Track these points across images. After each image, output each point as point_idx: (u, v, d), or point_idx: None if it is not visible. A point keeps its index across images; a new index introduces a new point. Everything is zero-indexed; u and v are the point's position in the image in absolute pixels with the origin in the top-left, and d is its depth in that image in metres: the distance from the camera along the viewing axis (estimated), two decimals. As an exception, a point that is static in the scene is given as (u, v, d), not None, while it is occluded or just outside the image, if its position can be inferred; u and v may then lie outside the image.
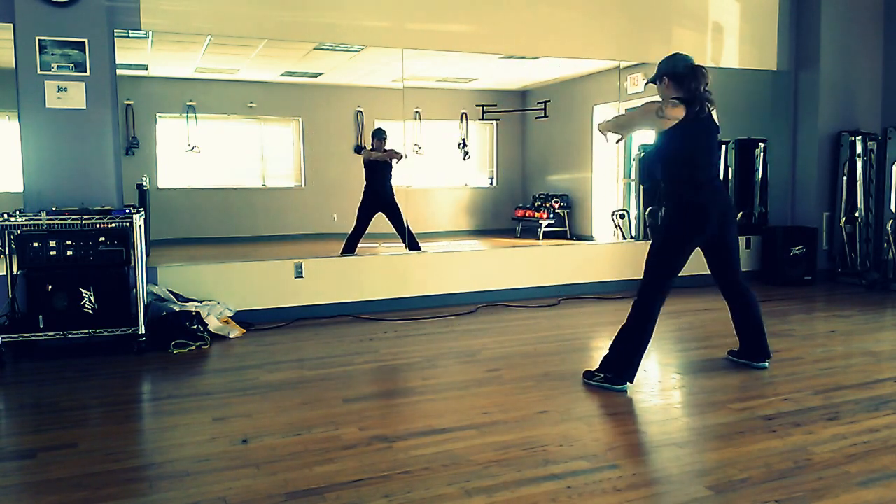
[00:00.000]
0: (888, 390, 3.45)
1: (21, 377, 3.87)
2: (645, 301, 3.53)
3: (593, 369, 3.60)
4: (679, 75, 3.47)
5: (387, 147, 7.02)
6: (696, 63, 3.53)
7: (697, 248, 3.64)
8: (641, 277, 3.58)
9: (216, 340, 4.54)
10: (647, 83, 3.69)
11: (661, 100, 3.51)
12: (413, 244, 6.34)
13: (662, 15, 6.33)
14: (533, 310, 5.53)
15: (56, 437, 2.93)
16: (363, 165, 7.06)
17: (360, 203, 6.77)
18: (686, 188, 3.53)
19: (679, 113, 3.41)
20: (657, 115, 3.44)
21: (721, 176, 7.48)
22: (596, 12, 6.09)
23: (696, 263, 7.14)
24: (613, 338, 3.59)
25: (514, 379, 3.71)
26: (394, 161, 6.95)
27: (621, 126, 3.73)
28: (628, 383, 3.46)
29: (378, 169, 6.97)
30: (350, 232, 6.51)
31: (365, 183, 6.97)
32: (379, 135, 7.10)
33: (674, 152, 3.52)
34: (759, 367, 3.80)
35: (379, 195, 6.84)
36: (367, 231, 6.60)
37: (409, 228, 6.40)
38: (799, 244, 6.63)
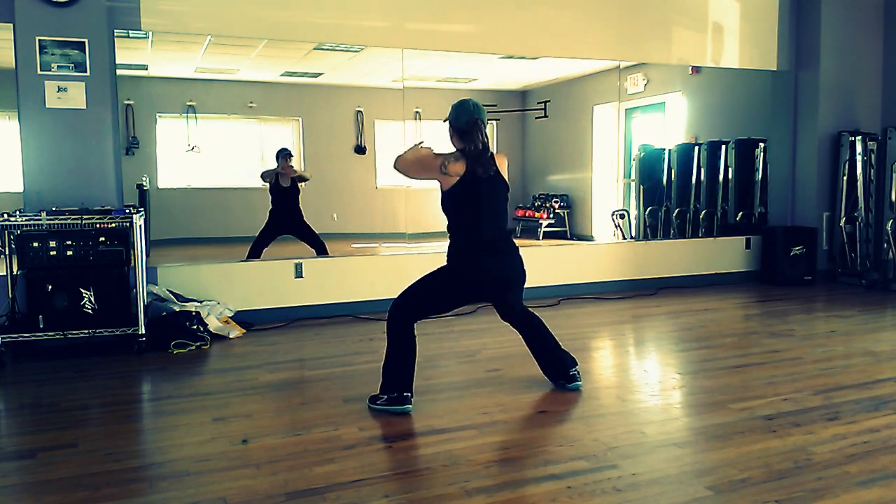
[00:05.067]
0: (888, 390, 3.45)
1: (21, 377, 3.87)
2: (401, 325, 3.27)
3: (376, 393, 3.32)
4: (461, 130, 3.22)
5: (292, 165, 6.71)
6: (478, 116, 3.22)
7: None
8: (400, 294, 3.36)
9: (216, 340, 4.54)
10: (444, 120, 3.35)
11: (443, 154, 3.24)
12: (321, 249, 6.20)
13: (662, 15, 6.33)
14: (533, 310, 5.52)
15: (56, 437, 2.93)
16: (269, 190, 6.71)
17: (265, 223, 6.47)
18: (465, 252, 3.25)
19: (460, 169, 3.16)
20: (440, 171, 3.17)
21: (722, 177, 7.48)
22: (596, 12, 6.09)
23: (696, 263, 7.16)
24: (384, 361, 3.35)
25: (514, 379, 3.71)
26: (301, 184, 6.69)
27: (409, 174, 3.37)
28: (409, 402, 3.22)
29: (285, 192, 6.67)
30: (253, 243, 6.26)
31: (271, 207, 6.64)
32: (284, 153, 6.79)
33: (457, 213, 3.24)
34: (573, 388, 3.48)
35: (285, 221, 6.51)
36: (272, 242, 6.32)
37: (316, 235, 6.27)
38: (799, 244, 6.63)
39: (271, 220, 6.55)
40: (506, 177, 3.33)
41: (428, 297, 3.33)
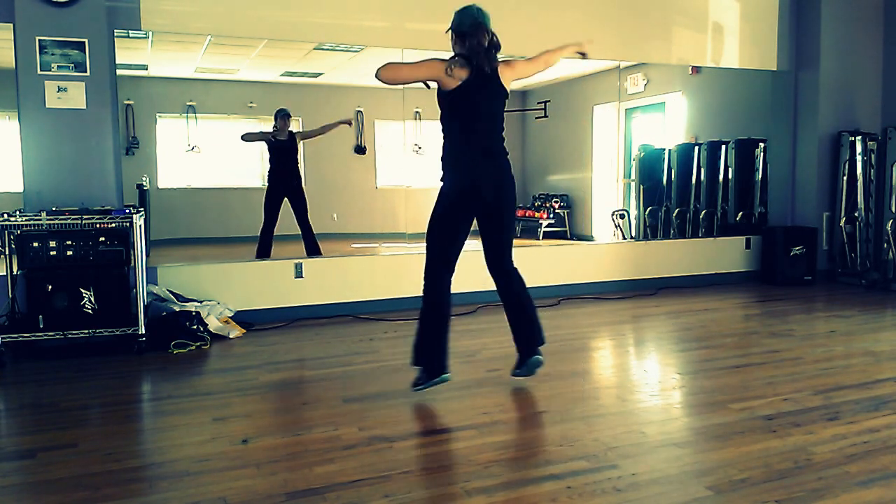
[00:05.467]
0: (888, 390, 3.45)
1: (21, 377, 3.87)
2: (425, 279, 3.34)
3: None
4: (463, 33, 3.26)
5: (292, 129, 6.66)
6: (481, 20, 3.27)
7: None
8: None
9: (216, 340, 4.54)
10: (446, 31, 3.37)
11: (449, 57, 3.26)
12: (313, 247, 6.18)
13: (662, 15, 6.33)
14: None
15: (56, 437, 2.93)
16: (267, 149, 6.67)
17: (265, 193, 6.48)
18: (460, 158, 3.31)
19: (463, 74, 3.20)
20: (446, 72, 3.18)
21: (722, 177, 7.49)
22: (596, 12, 6.08)
23: (696, 263, 7.15)
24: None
25: (514, 379, 3.71)
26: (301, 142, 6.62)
27: (401, 77, 3.35)
28: (445, 376, 3.34)
29: (283, 149, 6.62)
30: (261, 229, 6.29)
31: (269, 168, 6.64)
32: (282, 113, 6.68)
33: (455, 118, 3.29)
34: (533, 362, 3.47)
35: (285, 181, 6.52)
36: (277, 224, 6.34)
37: (311, 227, 6.24)
38: (799, 244, 6.63)
39: (271, 185, 6.50)
40: (511, 79, 3.35)
41: (436, 233, 3.34)
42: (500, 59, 3.35)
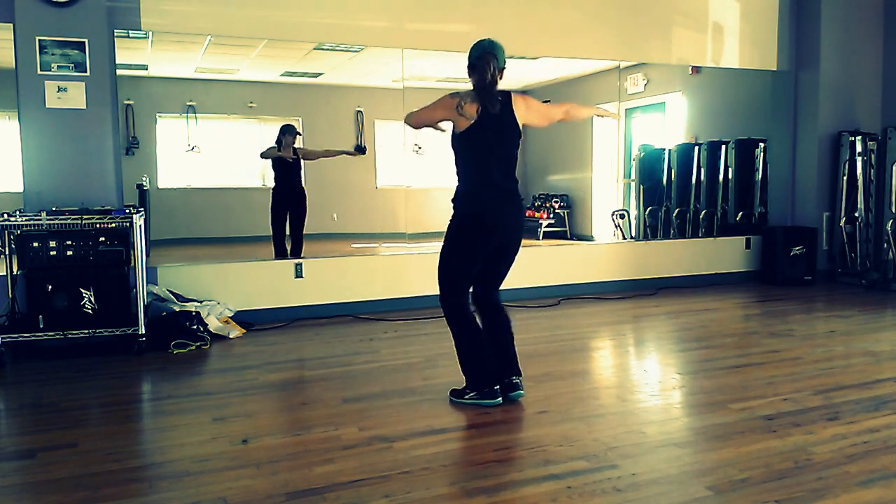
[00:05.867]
0: (888, 390, 3.45)
1: (21, 377, 3.87)
2: (444, 310, 3.28)
3: (461, 388, 3.34)
4: (471, 64, 3.19)
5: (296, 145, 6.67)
6: (490, 51, 3.17)
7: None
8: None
9: (216, 340, 4.54)
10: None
11: (460, 93, 3.19)
12: (295, 251, 6.25)
13: (662, 15, 6.33)
14: (533, 310, 5.53)
15: (56, 437, 2.93)
16: (272, 164, 6.68)
17: (271, 207, 6.51)
18: (472, 195, 3.23)
19: (473, 111, 3.13)
20: (457, 110, 3.13)
21: (722, 177, 7.49)
22: (596, 12, 6.08)
23: (696, 263, 7.15)
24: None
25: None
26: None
27: (422, 121, 3.32)
28: (498, 392, 3.24)
29: (288, 168, 6.64)
30: (273, 240, 6.37)
31: (274, 182, 6.68)
32: (290, 130, 6.67)
33: (464, 153, 3.23)
34: (515, 396, 3.29)
35: (288, 196, 6.56)
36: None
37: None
38: (799, 244, 6.63)
39: (275, 200, 6.53)
40: (524, 119, 3.25)
41: (449, 263, 3.25)
42: (514, 92, 3.26)
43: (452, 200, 3.29)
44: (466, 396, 3.26)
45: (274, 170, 6.67)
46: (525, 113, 3.25)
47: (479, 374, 3.24)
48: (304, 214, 6.44)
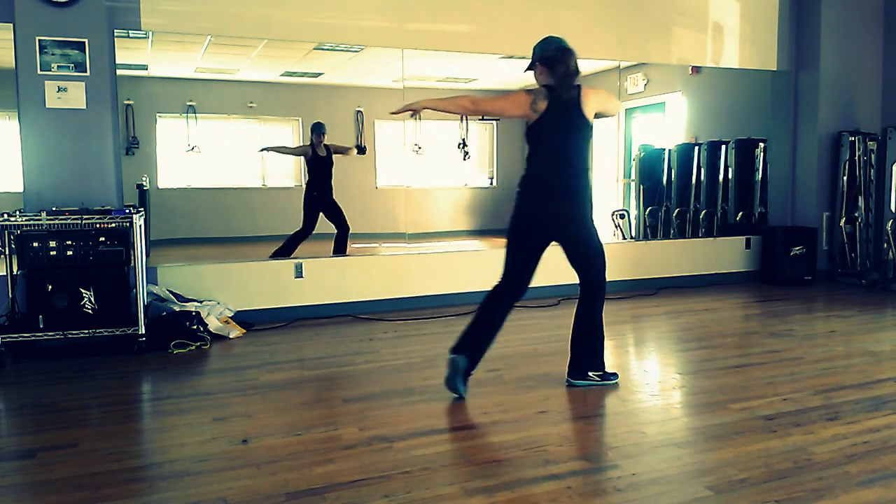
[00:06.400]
0: (888, 390, 3.45)
1: (21, 377, 3.87)
2: (490, 291, 3.49)
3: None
4: (549, 59, 3.29)
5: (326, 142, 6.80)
6: (565, 45, 3.31)
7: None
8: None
9: (216, 340, 4.54)
10: (525, 70, 3.43)
11: (533, 90, 3.32)
12: (340, 248, 6.35)
13: (662, 15, 6.33)
14: (533, 310, 5.53)
15: (56, 437, 2.93)
16: (306, 163, 6.80)
17: (304, 204, 6.64)
18: (530, 189, 3.36)
19: (543, 107, 3.27)
20: (531, 108, 3.27)
21: (722, 177, 7.49)
22: (596, 12, 6.08)
23: (696, 263, 7.15)
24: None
25: (514, 379, 3.71)
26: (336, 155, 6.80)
27: (488, 111, 3.44)
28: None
29: (322, 162, 6.76)
30: (294, 234, 6.43)
31: (308, 181, 6.78)
32: (319, 128, 6.83)
33: (531, 145, 3.38)
34: (577, 384, 3.54)
35: (324, 195, 6.68)
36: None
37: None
38: (799, 244, 6.63)
39: (310, 198, 6.65)
40: (595, 110, 3.36)
41: (507, 254, 3.45)
42: (584, 86, 3.35)
43: (518, 184, 3.41)
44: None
45: (308, 168, 6.80)
46: (595, 104, 3.36)
47: (466, 340, 3.41)
48: (341, 212, 6.56)
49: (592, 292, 3.54)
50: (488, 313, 3.45)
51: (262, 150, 7.10)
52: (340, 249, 6.40)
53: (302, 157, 6.83)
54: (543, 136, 3.32)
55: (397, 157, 7.83)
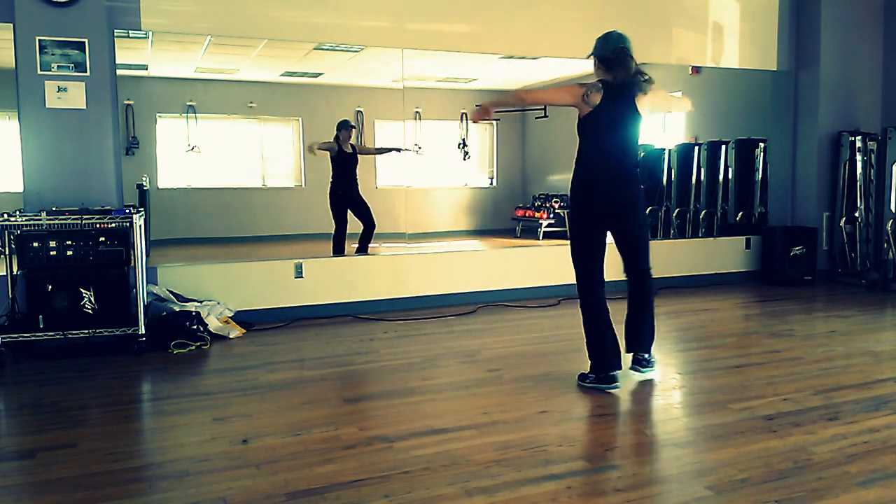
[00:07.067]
0: (888, 390, 3.45)
1: (21, 377, 3.87)
2: (579, 294, 3.58)
3: (587, 371, 3.59)
4: (607, 59, 3.42)
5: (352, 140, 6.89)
6: (624, 45, 3.43)
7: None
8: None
9: (216, 340, 4.54)
10: (585, 57, 3.56)
11: (587, 83, 3.41)
12: (364, 246, 6.42)
13: (662, 15, 6.32)
14: (533, 310, 5.53)
15: (56, 437, 2.93)
16: (331, 160, 6.83)
17: (331, 202, 6.72)
18: (590, 180, 3.46)
19: (597, 100, 3.36)
20: (583, 99, 3.36)
21: (722, 177, 7.50)
22: (596, 12, 6.08)
23: (696, 263, 7.15)
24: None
25: (514, 379, 3.71)
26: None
27: (541, 100, 3.60)
28: (618, 375, 3.48)
29: (347, 159, 6.82)
30: (334, 236, 6.54)
31: (333, 178, 6.83)
32: (346, 125, 6.90)
33: (585, 140, 3.47)
34: (642, 371, 3.66)
35: (349, 191, 6.76)
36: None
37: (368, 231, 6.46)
38: (799, 244, 6.63)
39: (336, 195, 6.70)
40: (651, 109, 3.51)
41: (579, 255, 3.53)
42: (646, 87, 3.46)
43: (572, 180, 3.51)
44: (588, 381, 3.50)
45: (333, 166, 6.80)
46: (650, 105, 3.48)
47: (596, 359, 3.49)
48: (368, 209, 6.62)
49: (647, 280, 3.68)
50: (600, 321, 3.53)
51: (311, 149, 7.12)
52: (364, 248, 6.46)
53: (328, 153, 6.85)
54: (598, 129, 3.40)
55: (397, 158, 7.82)
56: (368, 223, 6.60)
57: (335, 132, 6.78)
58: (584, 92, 3.35)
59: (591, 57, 3.50)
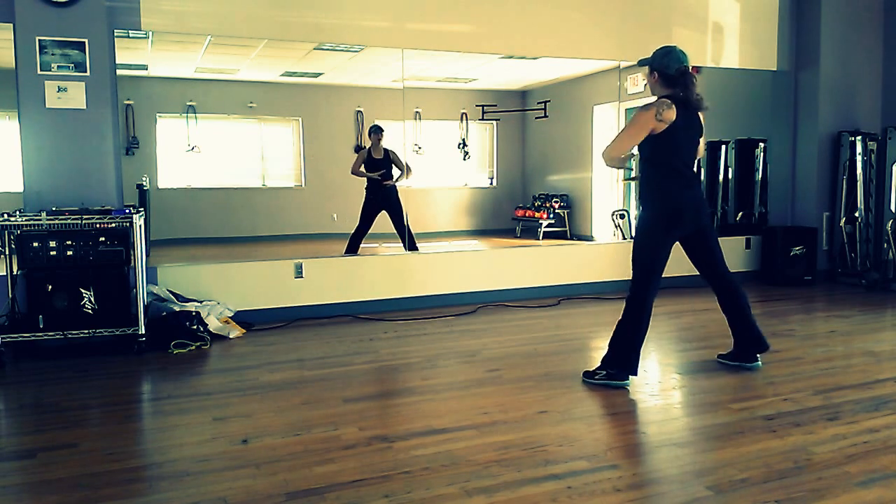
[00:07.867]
0: (888, 390, 3.45)
1: (21, 377, 3.87)
2: (635, 296, 3.56)
3: (593, 369, 3.60)
4: (670, 78, 3.48)
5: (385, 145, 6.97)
6: (687, 64, 3.51)
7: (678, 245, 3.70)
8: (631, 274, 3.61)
9: (216, 340, 4.54)
10: (639, 63, 3.64)
11: (652, 103, 3.46)
12: (412, 244, 6.37)
13: (662, 15, 6.33)
14: (533, 310, 5.54)
15: (56, 437, 2.93)
16: (364, 164, 6.95)
17: (363, 203, 6.76)
18: (665, 190, 3.53)
19: (672, 116, 3.40)
20: (656, 118, 3.39)
21: (722, 177, 7.52)
22: (596, 12, 6.09)
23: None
24: (611, 335, 3.60)
25: (514, 379, 3.71)
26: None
27: (626, 148, 3.52)
28: (630, 377, 3.51)
29: (378, 164, 6.90)
30: (353, 233, 6.53)
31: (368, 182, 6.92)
32: (376, 129, 6.99)
33: (658, 154, 3.50)
34: (753, 367, 3.80)
35: (383, 194, 6.81)
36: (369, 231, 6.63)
37: (409, 228, 6.41)
38: (799, 244, 6.63)
39: (368, 197, 6.77)
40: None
41: (646, 260, 3.52)
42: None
43: (643, 190, 3.59)
44: (597, 377, 3.54)
45: (367, 169, 6.91)
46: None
47: (620, 357, 3.52)
48: (401, 211, 6.64)
49: (731, 281, 3.76)
50: (644, 323, 3.56)
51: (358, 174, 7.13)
52: (412, 247, 6.47)
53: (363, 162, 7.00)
54: (673, 148, 3.46)
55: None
56: (402, 230, 6.61)
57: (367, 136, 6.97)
58: (654, 113, 3.38)
59: (647, 67, 3.55)
